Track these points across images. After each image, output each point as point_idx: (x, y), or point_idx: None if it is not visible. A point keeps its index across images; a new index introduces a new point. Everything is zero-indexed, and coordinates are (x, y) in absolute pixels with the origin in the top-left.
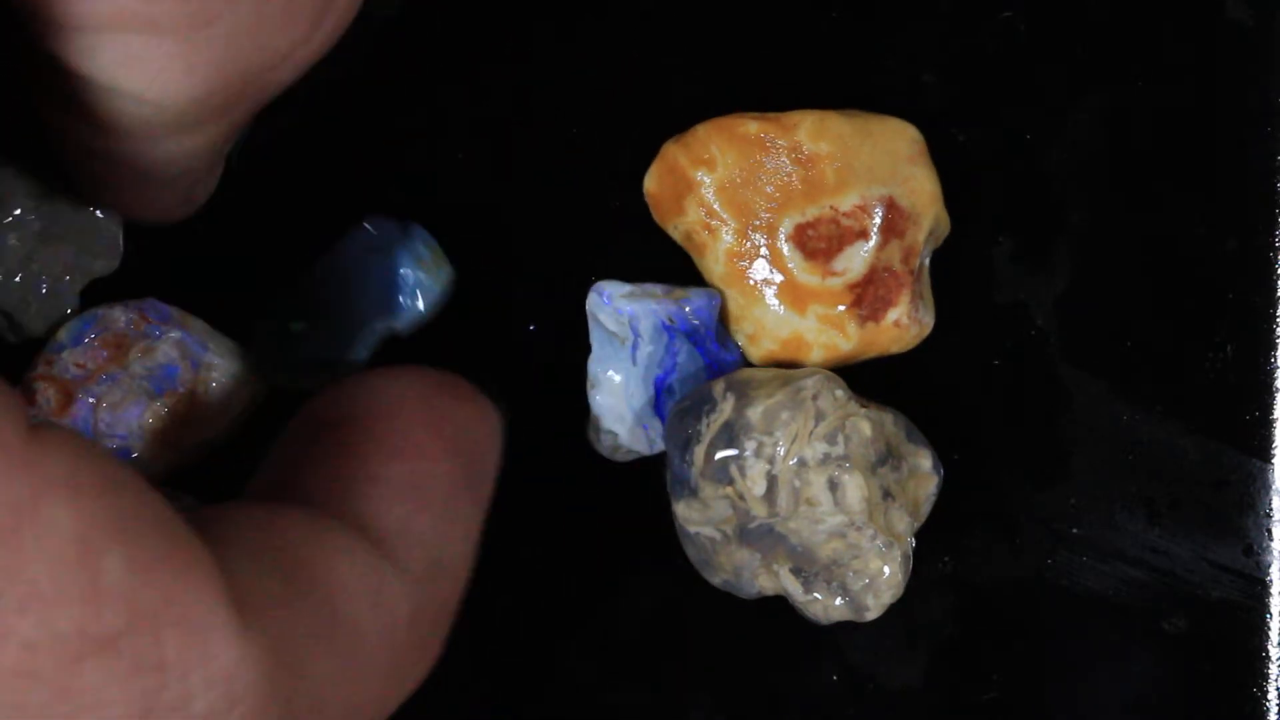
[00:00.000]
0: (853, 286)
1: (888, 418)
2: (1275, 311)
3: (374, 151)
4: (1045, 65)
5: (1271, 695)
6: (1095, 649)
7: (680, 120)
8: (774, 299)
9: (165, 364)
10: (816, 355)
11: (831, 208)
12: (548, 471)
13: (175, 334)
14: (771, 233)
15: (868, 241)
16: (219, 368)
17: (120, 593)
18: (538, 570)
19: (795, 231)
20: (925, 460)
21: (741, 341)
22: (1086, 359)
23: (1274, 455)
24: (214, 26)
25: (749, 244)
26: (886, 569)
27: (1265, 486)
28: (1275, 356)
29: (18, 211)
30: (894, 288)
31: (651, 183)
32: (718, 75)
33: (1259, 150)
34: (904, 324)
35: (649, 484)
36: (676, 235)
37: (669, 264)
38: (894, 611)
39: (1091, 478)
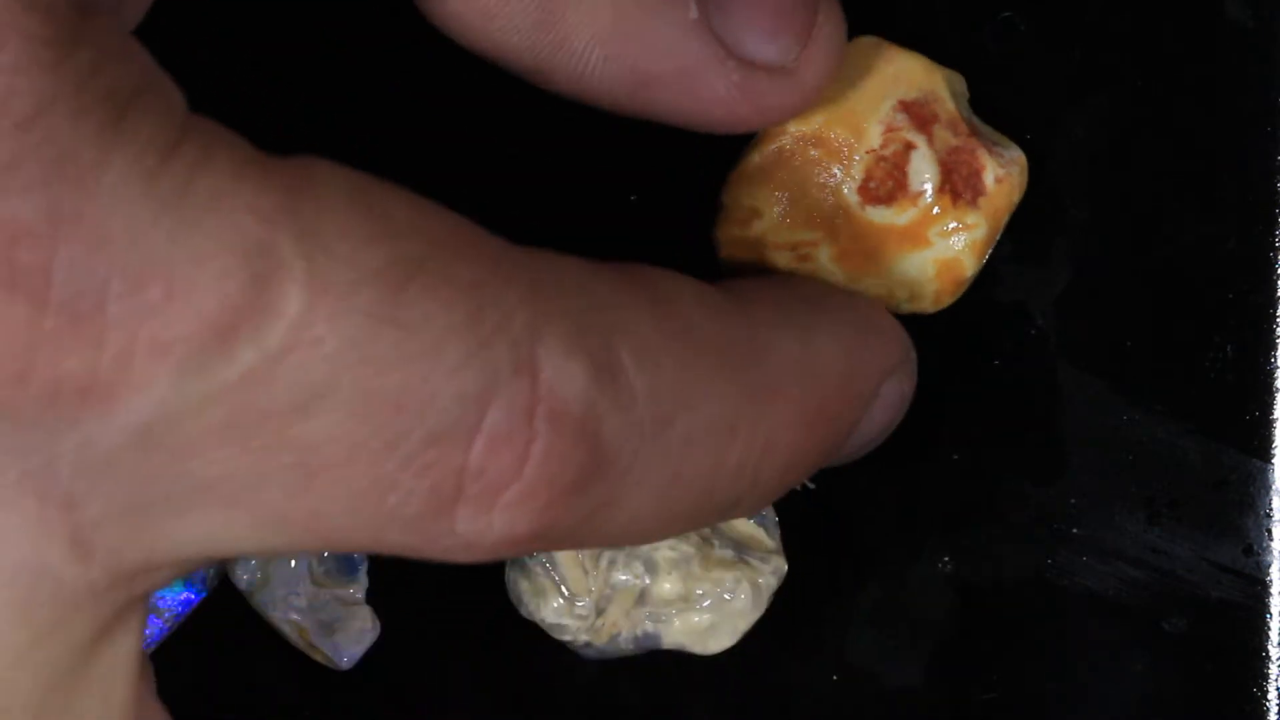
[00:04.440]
0: (941, 189)
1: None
2: (1275, 311)
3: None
4: (1045, 65)
5: (1271, 695)
6: (1095, 649)
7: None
8: (901, 256)
9: None
10: (970, 262)
11: (868, 152)
12: None
13: None
14: (848, 214)
15: (917, 147)
16: None
17: (408, 224)
18: None
19: (861, 195)
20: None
21: (908, 309)
22: (1086, 359)
23: (1274, 455)
24: None
25: (843, 238)
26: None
27: (1265, 486)
28: (1275, 356)
29: None
30: (970, 157)
31: (729, 247)
32: None
33: (1259, 150)
34: (1003, 174)
35: None
36: None
37: None
38: (894, 611)
39: (1091, 478)
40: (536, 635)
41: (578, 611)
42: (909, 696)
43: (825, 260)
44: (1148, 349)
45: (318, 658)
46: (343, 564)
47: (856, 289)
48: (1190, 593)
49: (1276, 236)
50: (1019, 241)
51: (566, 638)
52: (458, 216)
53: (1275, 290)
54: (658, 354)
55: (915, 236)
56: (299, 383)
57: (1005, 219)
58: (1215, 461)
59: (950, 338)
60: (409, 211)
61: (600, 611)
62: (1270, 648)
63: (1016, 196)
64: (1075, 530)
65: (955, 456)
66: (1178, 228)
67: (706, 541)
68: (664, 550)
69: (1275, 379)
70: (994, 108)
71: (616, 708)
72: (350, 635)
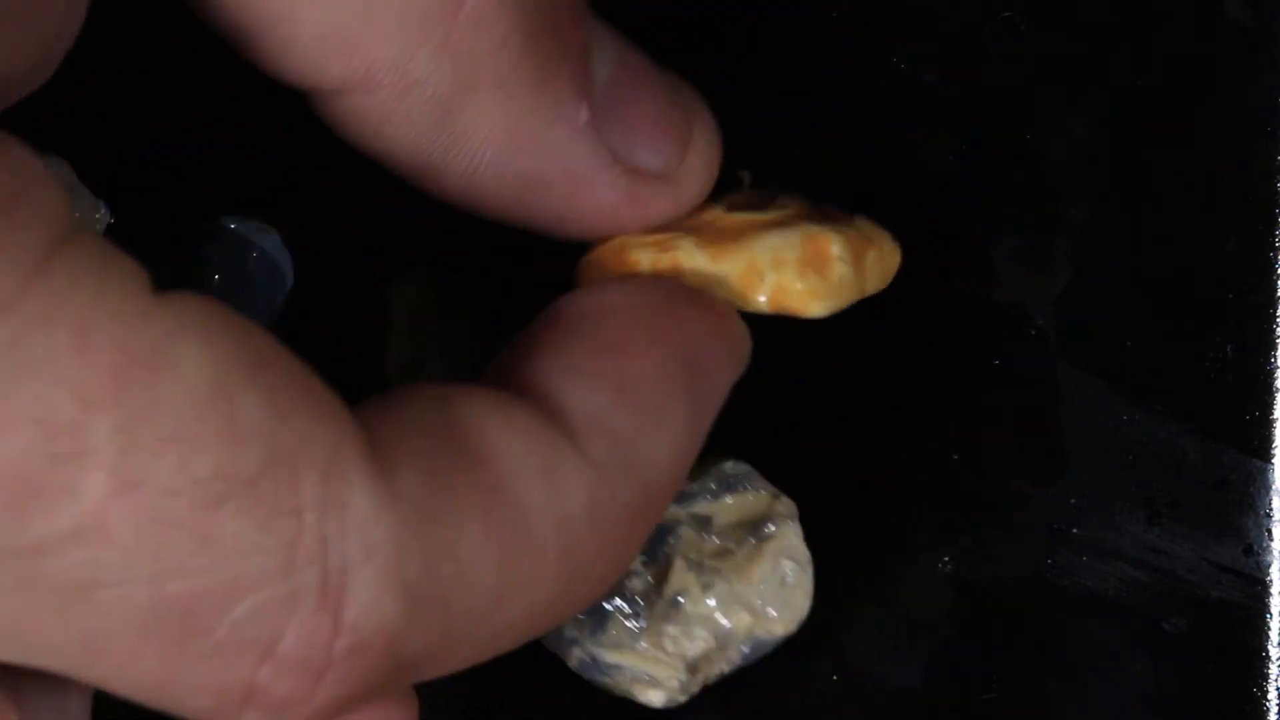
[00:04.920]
0: (808, 216)
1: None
2: (1275, 311)
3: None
4: (1045, 65)
5: (1271, 695)
6: (1095, 649)
7: None
8: (766, 235)
9: None
10: (838, 245)
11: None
12: None
13: None
14: (713, 218)
15: (779, 195)
16: None
17: (257, 433)
18: None
19: (727, 207)
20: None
21: (765, 298)
22: (1086, 359)
23: (1274, 455)
24: None
25: (707, 231)
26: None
27: (1265, 486)
28: (1275, 356)
29: None
30: (831, 217)
31: (590, 269)
32: (717, 73)
33: (1259, 150)
34: (879, 233)
35: None
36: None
37: None
38: (894, 611)
39: (1091, 478)
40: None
41: (677, 685)
42: (909, 696)
43: (688, 246)
44: (1148, 349)
45: None
46: None
47: (718, 269)
48: (1190, 593)
49: (1276, 236)
50: (1019, 241)
51: (684, 699)
52: (327, 405)
53: (1275, 290)
54: (481, 567)
55: (781, 224)
56: (86, 566)
57: (877, 278)
58: (1215, 461)
59: (950, 338)
60: (264, 412)
61: (694, 669)
62: (1270, 648)
63: (891, 264)
64: (1075, 530)
65: (955, 456)
66: (1178, 228)
67: (724, 555)
68: (711, 607)
69: (1275, 379)
70: (994, 108)
71: (616, 709)
72: None
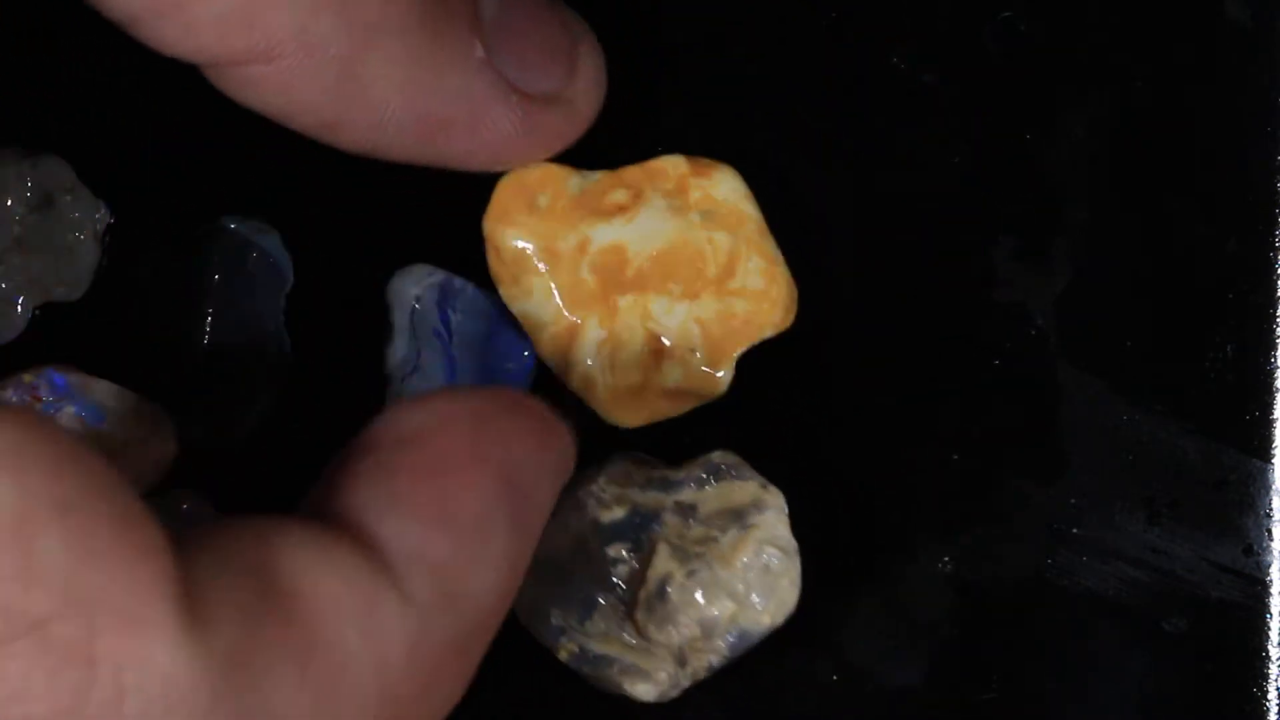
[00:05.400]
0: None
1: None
2: (1275, 311)
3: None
4: (1045, 65)
5: (1271, 695)
6: (1095, 649)
7: (675, 120)
8: None
9: None
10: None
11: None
12: None
13: (70, 409)
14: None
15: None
16: (117, 437)
17: (54, 574)
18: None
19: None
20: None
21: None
22: (1086, 359)
23: (1274, 455)
24: None
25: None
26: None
27: (1265, 486)
28: (1275, 356)
29: (9, 203)
30: None
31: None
32: (717, 73)
33: (1259, 150)
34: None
35: None
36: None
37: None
38: (894, 611)
39: (1091, 478)
40: (533, 636)
41: (666, 677)
42: (909, 696)
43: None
44: (1148, 349)
45: None
46: None
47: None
48: (1190, 593)
49: (1276, 236)
50: (1019, 241)
51: (675, 693)
52: (144, 547)
53: (1275, 290)
54: (296, 718)
55: None
56: None
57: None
58: (1215, 461)
59: (950, 338)
60: (66, 553)
61: (682, 660)
62: (1270, 648)
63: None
64: (1075, 530)
65: (955, 456)
66: (1177, 228)
67: (708, 541)
68: (695, 593)
69: (1275, 379)
70: (994, 108)
71: (616, 708)
72: None
